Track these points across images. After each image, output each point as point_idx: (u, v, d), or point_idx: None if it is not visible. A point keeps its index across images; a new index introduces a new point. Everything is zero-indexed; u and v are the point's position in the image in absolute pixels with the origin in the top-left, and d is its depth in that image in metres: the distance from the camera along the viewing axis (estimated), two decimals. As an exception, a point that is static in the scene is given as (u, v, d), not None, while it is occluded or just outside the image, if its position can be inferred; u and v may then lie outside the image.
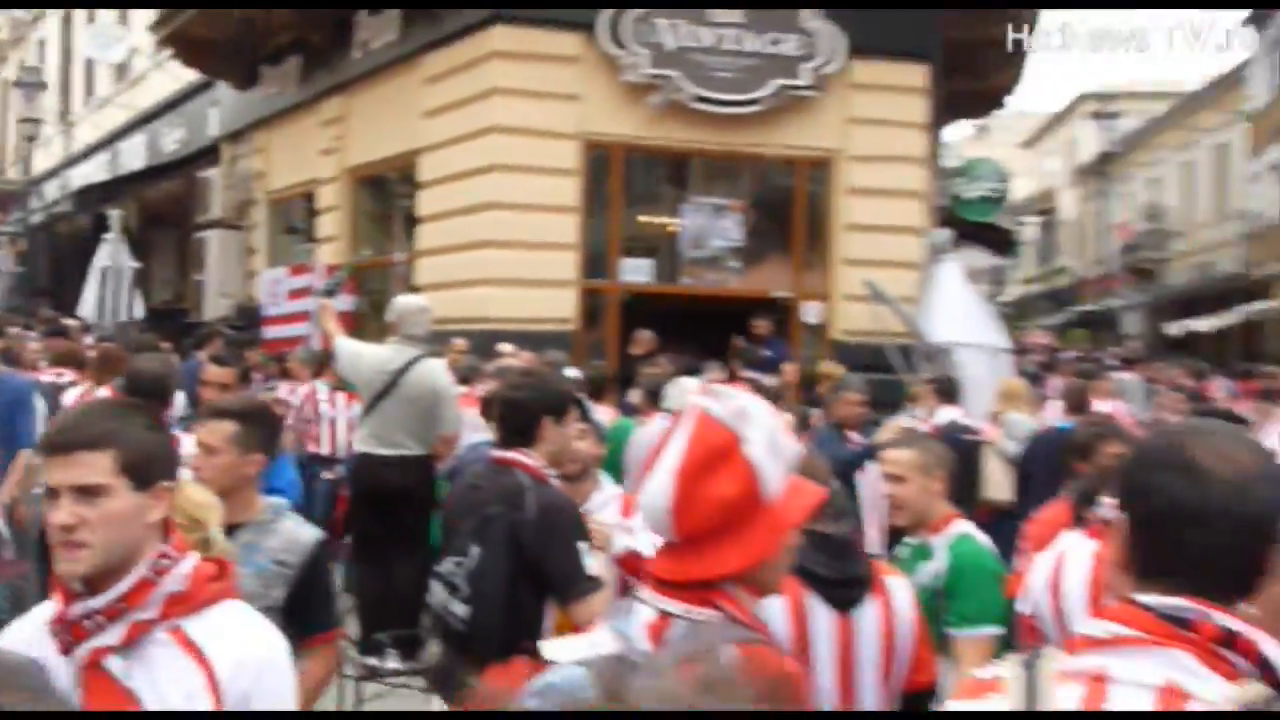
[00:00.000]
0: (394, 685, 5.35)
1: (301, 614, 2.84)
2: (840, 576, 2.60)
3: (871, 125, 11.24)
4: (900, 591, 2.71)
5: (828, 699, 2.54)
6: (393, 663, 5.34)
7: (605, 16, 10.60)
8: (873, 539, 5.83)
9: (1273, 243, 24.95)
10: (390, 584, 5.71)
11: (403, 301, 6.48)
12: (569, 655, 1.51)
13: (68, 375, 7.40)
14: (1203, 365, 14.94)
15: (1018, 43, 12.85)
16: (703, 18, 10.77)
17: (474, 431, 6.38)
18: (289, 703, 1.93)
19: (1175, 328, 27.57)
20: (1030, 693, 1.35)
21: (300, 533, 2.96)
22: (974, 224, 17.09)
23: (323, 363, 8.27)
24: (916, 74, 11.48)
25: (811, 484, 1.88)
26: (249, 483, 3.02)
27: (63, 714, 1.76)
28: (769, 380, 8.80)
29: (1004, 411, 7.85)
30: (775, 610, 2.42)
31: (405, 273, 11.80)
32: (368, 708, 5.20)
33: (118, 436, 1.84)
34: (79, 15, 24.47)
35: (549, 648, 1.59)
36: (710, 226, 11.34)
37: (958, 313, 10.69)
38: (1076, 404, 7.35)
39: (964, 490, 5.32)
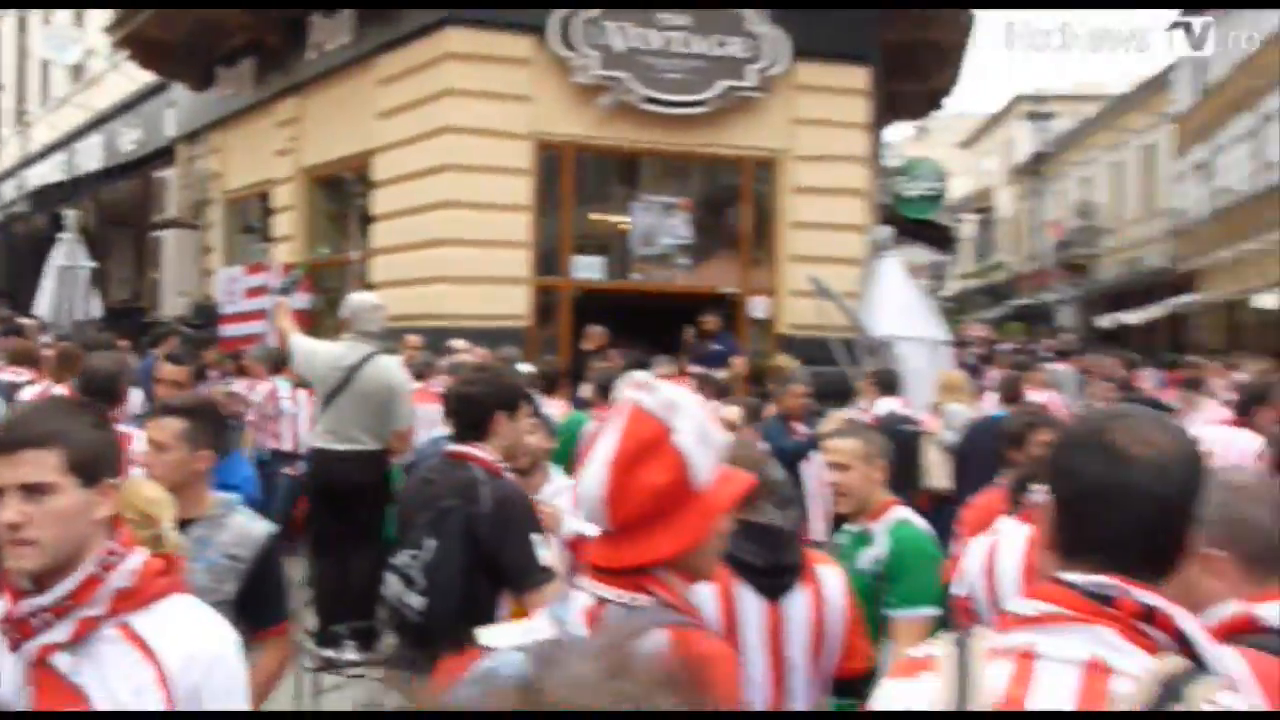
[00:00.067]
0: (351, 676, 5.31)
1: (254, 607, 2.81)
2: (770, 565, 2.60)
3: (815, 126, 11.31)
4: (831, 580, 2.69)
5: (758, 685, 2.54)
6: (350, 654, 5.31)
7: (556, 19, 10.58)
8: (818, 527, 5.88)
9: (1197, 239, 25.42)
10: (346, 577, 5.66)
11: (356, 299, 6.42)
12: (506, 641, 1.52)
13: (25, 374, 7.25)
14: (1133, 356, 15.20)
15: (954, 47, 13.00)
16: (651, 20, 10.77)
17: (429, 426, 6.34)
18: (239, 695, 1.90)
19: (1106, 320, 28.02)
20: (961, 670, 1.36)
21: (252, 527, 2.93)
22: (914, 221, 17.24)
23: (279, 360, 8.18)
24: (858, 76, 11.56)
25: (741, 472, 1.90)
26: (199, 478, 2.98)
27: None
28: (719, 374, 8.83)
29: (944, 402, 7.93)
30: (705, 598, 2.42)
31: (361, 271, 11.70)
32: (325, 699, 5.15)
33: (64, 435, 1.81)
34: (35, 16, 23.98)
35: (487, 634, 1.58)
36: (659, 224, 11.35)
37: (899, 307, 10.77)
38: (1010, 394, 7.44)
39: (904, 478, 5.38)
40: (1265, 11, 19.42)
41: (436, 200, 10.58)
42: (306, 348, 6.28)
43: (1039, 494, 2.93)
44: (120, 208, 19.76)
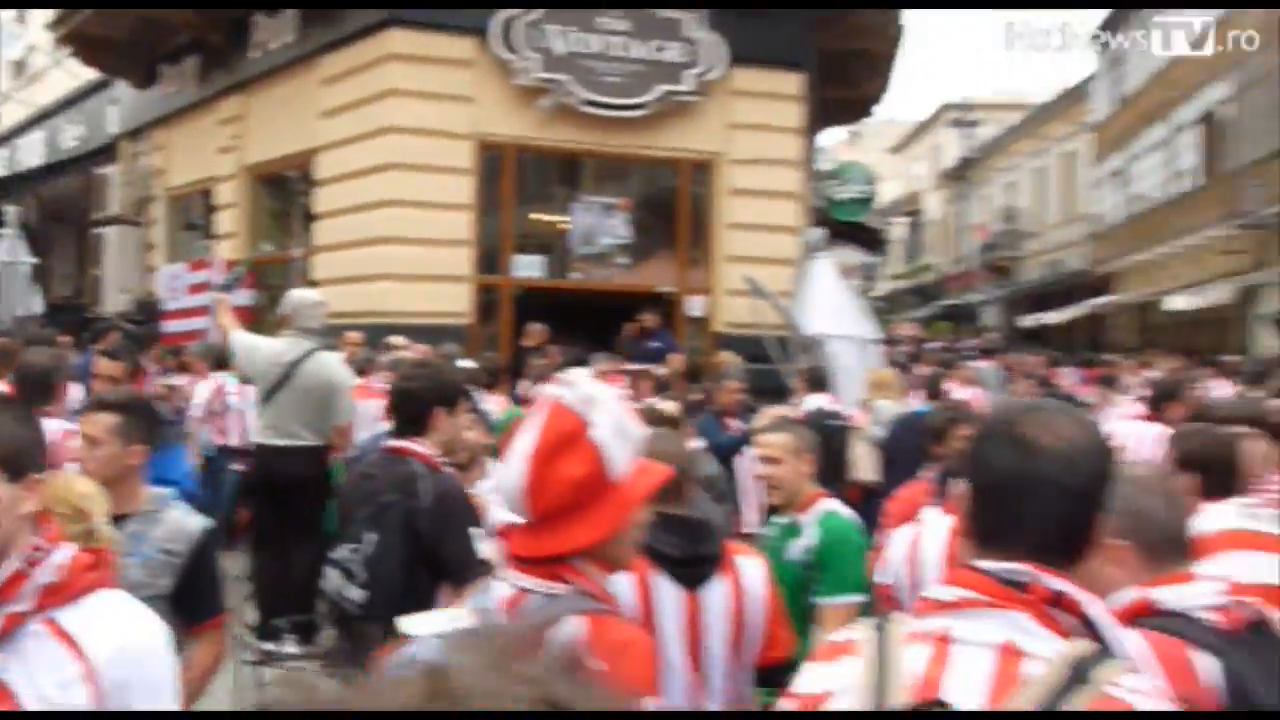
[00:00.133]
0: (291, 669, 5.23)
1: (189, 602, 2.76)
2: (687, 556, 2.59)
3: (750, 130, 11.37)
4: (751, 570, 2.68)
5: (677, 673, 2.54)
6: (290, 647, 5.23)
7: (498, 22, 10.52)
8: (751, 519, 5.90)
9: (1114, 243, 25.97)
10: (287, 571, 5.58)
11: (297, 295, 6.32)
12: (428, 629, 1.52)
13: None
14: (1055, 354, 15.52)
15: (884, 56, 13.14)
16: (591, 25, 10.75)
17: (370, 423, 6.27)
18: (169, 690, 1.85)
19: (1029, 320, 28.54)
20: (880, 653, 1.37)
21: (186, 522, 2.87)
22: (846, 224, 17.39)
23: (221, 357, 8.03)
24: (792, 82, 11.64)
25: (657, 465, 1.93)
26: (133, 473, 2.91)
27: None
28: (659, 370, 8.84)
29: (874, 399, 8.00)
30: (623, 588, 2.42)
31: (303, 268, 11.54)
32: (266, 692, 5.07)
33: None
34: (-26, 12, 23.34)
35: (409, 623, 1.57)
36: (599, 225, 11.34)
37: (831, 306, 10.84)
38: (933, 391, 7.53)
39: (832, 472, 5.42)
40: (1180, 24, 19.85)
41: (379, 199, 10.47)
42: (247, 344, 6.18)
43: (960, 485, 2.97)
44: (62, 204, 19.33)
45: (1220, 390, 8.68)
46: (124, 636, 1.80)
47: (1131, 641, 1.42)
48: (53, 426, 3.71)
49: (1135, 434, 5.54)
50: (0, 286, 13.46)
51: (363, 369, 7.42)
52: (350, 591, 3.26)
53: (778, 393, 8.67)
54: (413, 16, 10.51)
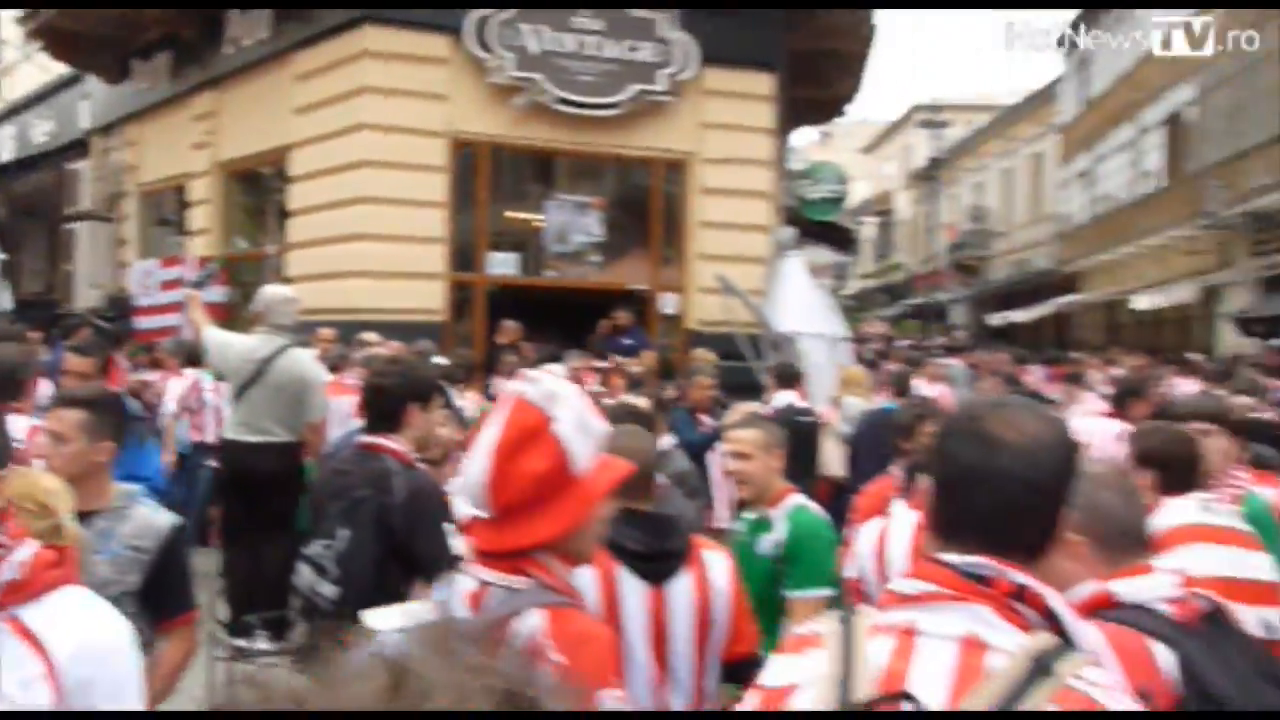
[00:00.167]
0: (263, 666, 5.19)
1: (158, 598, 2.73)
2: (651, 551, 2.59)
3: (723, 130, 11.37)
4: (717, 565, 2.68)
5: (641, 668, 2.54)
6: (262, 644, 5.18)
7: (472, 20, 10.47)
8: (723, 514, 5.92)
9: (1080, 242, 26.19)
10: (259, 567, 5.53)
11: (269, 291, 6.27)
12: (389, 624, 1.52)
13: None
14: (1023, 352, 15.63)
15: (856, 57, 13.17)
16: (565, 24, 10.73)
17: (343, 419, 6.23)
18: (133, 688, 1.83)
19: (996, 318, 28.73)
20: (845, 645, 1.37)
21: (155, 518, 2.83)
22: (817, 223, 17.44)
23: (193, 353, 7.96)
24: (764, 82, 11.65)
25: (619, 460, 1.93)
26: (100, 470, 2.87)
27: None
28: (633, 367, 8.83)
29: (843, 396, 8.04)
30: (586, 582, 2.42)
31: (277, 265, 11.45)
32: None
33: None
34: (-58, 6, 22.99)
35: (372, 617, 1.57)
36: (573, 223, 11.32)
37: (801, 304, 10.90)
38: (901, 388, 7.57)
39: (801, 468, 5.44)
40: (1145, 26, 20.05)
41: (353, 196, 10.40)
42: (220, 340, 6.13)
43: (925, 480, 2.98)
44: (32, 199, 19.10)
45: (1186, 388, 8.77)
46: (86, 634, 1.77)
47: (1092, 634, 1.43)
48: (20, 423, 3.66)
49: (1098, 431, 5.58)
50: (-30, 282, 13.32)
51: (336, 366, 7.38)
52: (323, 587, 3.24)
53: (750, 389, 8.69)
54: (387, 14, 10.44)
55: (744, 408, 5.64)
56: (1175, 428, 3.31)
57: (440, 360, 7.61)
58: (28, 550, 1.78)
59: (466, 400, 6.95)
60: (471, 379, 7.86)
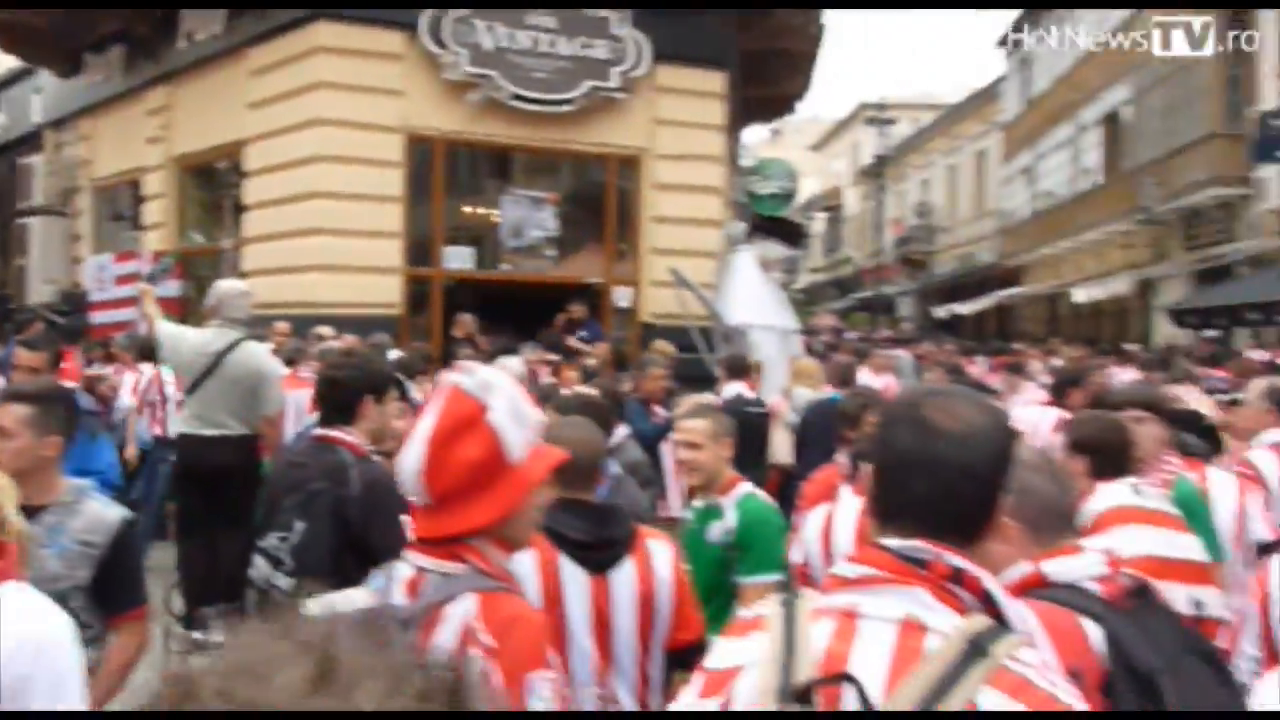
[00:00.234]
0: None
1: (109, 593, 2.68)
2: (592, 540, 2.59)
3: (675, 126, 11.38)
4: (660, 553, 2.67)
5: (585, 655, 2.53)
6: (217, 637, 5.11)
7: (426, 17, 10.38)
8: (675, 504, 5.92)
9: (1022, 237, 26.54)
10: (215, 560, 5.45)
11: (223, 285, 6.17)
12: (327, 610, 1.51)
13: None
14: (971, 344, 15.83)
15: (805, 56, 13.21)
16: (519, 21, 10.67)
17: (299, 413, 6.15)
18: (74, 683, 1.79)
19: (942, 311, 29.08)
20: (788, 627, 1.37)
21: (105, 513, 2.78)
22: (768, 218, 17.51)
23: (147, 348, 7.82)
24: (715, 80, 11.67)
25: (554, 448, 1.95)
26: (48, 465, 2.81)
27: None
28: (591, 361, 8.82)
29: (794, 386, 8.08)
30: (528, 572, 2.42)
31: (233, 259, 11.29)
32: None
33: None
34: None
35: (310, 604, 1.56)
36: (528, 217, 11.28)
37: (752, 298, 10.94)
38: (844, 379, 7.62)
39: (750, 457, 5.46)
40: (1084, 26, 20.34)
41: (309, 190, 10.28)
42: (172, 333, 6.02)
43: (867, 467, 3.01)
44: (-16, 194, 18.64)
45: (1125, 377, 8.91)
46: (25, 630, 1.74)
47: (1025, 614, 1.45)
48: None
49: (1037, 419, 5.67)
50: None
51: (292, 359, 7.29)
52: (278, 580, 3.20)
53: (703, 381, 8.72)
54: (341, 10, 10.33)
55: (692, 399, 5.66)
56: (1108, 416, 3.37)
57: (396, 353, 7.54)
58: (-32, 545, 1.74)
59: (422, 393, 6.90)
60: (428, 371, 7.81)
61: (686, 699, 1.44)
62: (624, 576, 2.59)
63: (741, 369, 7.50)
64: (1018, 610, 1.38)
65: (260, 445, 5.80)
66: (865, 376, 8.99)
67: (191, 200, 12.78)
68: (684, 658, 2.50)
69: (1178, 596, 2.61)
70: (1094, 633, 1.66)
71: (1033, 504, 1.85)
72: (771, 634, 1.38)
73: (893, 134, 36.40)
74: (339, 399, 3.49)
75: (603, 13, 10.94)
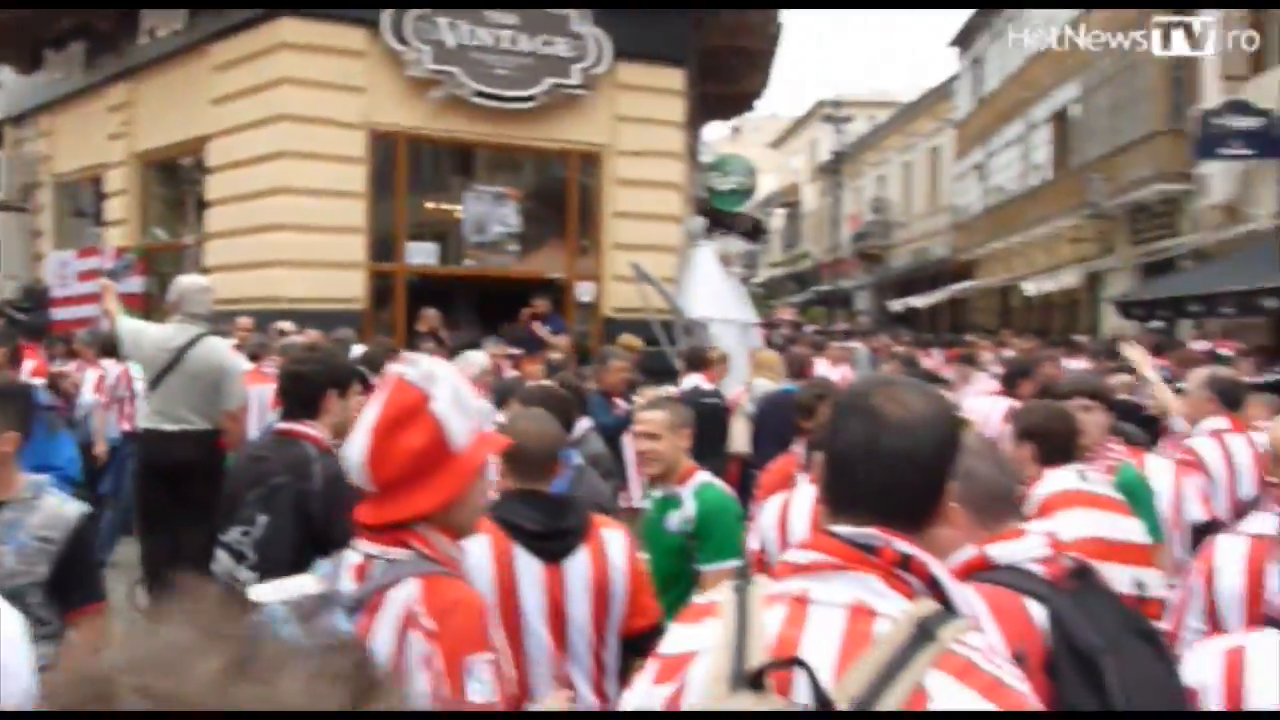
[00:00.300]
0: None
1: (67, 588, 2.63)
2: (546, 530, 2.59)
3: (635, 123, 11.37)
4: (615, 543, 2.66)
5: (540, 643, 2.54)
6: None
7: (389, 13, 10.29)
8: (637, 494, 5.93)
9: (974, 232, 26.80)
10: (178, 554, 5.38)
11: (184, 281, 6.08)
12: (275, 596, 1.52)
13: None
14: (925, 336, 15.96)
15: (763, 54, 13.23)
16: (481, 18, 10.61)
17: (263, 408, 6.08)
18: (24, 676, 1.75)
19: (897, 304, 29.28)
20: (740, 613, 1.37)
21: (64, 509, 2.72)
22: (727, 213, 17.55)
23: (109, 343, 7.69)
24: (675, 77, 11.67)
25: (496, 435, 1.99)
26: (5, 460, 2.73)
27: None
28: (555, 355, 8.79)
29: (754, 378, 8.11)
30: (482, 561, 2.43)
31: (196, 255, 11.15)
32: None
33: None
34: None
35: (257, 590, 1.55)
36: (491, 213, 11.23)
37: (712, 292, 10.98)
38: (798, 371, 7.67)
39: (708, 447, 5.47)
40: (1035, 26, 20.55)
41: (272, 186, 10.16)
42: (133, 329, 5.94)
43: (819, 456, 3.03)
44: (-57, 190, 18.25)
45: (1075, 367, 9.02)
46: None
47: (971, 598, 1.46)
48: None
49: (988, 409, 5.73)
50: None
51: (255, 354, 7.20)
52: (241, 574, 3.16)
53: (665, 373, 8.73)
54: (304, 8, 10.21)
55: (652, 391, 5.67)
56: (1054, 404, 3.41)
57: (359, 348, 7.47)
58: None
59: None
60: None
61: (640, 685, 1.44)
62: (578, 565, 2.59)
63: (701, 361, 7.52)
64: (964, 595, 1.39)
65: (222, 440, 5.72)
66: (822, 368, 9.04)
67: (154, 196, 12.59)
68: (641, 644, 2.50)
69: (1121, 577, 2.64)
70: (1038, 613, 1.68)
71: (978, 489, 1.87)
72: (724, 620, 1.38)
73: (849, 131, 36.58)
74: (302, 393, 3.46)
75: (564, 11, 10.90)
